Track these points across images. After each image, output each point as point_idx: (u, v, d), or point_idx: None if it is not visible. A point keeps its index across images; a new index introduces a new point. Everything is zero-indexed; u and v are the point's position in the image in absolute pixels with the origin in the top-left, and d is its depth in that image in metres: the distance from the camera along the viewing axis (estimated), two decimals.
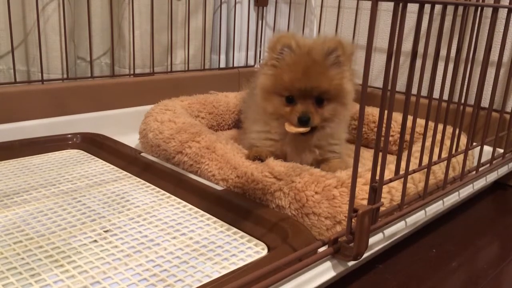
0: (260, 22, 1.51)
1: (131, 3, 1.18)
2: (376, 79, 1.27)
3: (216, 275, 0.55)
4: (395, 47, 0.52)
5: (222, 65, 1.46)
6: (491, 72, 0.79)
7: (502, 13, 0.76)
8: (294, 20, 1.47)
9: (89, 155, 0.94)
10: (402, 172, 0.62)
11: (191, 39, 1.35)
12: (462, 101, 0.75)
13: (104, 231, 0.64)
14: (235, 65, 1.48)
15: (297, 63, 0.79)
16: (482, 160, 0.83)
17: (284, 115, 0.80)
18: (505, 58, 0.85)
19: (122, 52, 1.24)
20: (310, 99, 0.79)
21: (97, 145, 0.97)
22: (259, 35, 1.52)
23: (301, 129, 0.78)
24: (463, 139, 0.79)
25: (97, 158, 0.92)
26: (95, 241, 0.61)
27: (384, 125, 0.54)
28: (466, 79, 0.74)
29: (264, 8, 1.51)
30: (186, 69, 1.35)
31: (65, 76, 1.13)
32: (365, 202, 0.59)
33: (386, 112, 0.54)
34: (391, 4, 0.51)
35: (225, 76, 1.40)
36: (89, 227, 0.65)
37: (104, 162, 0.90)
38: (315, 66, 0.78)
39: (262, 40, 1.53)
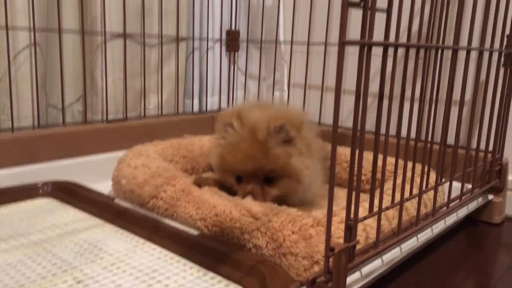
0: (232, 67, 1.55)
1: (104, 50, 1.19)
2: (347, 119, 1.31)
3: None
4: (362, 88, 0.54)
5: (196, 109, 1.48)
6: (455, 111, 0.83)
7: (462, 54, 0.81)
8: (265, 65, 1.51)
9: (61, 203, 0.92)
10: (376, 209, 0.63)
11: (164, 84, 1.37)
12: (429, 139, 0.78)
13: (77, 282, 0.62)
14: (208, 109, 1.50)
15: (239, 144, 0.78)
16: (452, 196, 0.85)
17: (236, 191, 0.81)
18: (467, 97, 0.89)
19: (95, 98, 1.24)
20: (256, 179, 0.79)
21: (69, 193, 0.95)
22: (231, 79, 1.55)
23: None
24: (433, 176, 0.82)
25: (68, 206, 0.90)
26: None
27: (356, 164, 0.55)
28: (432, 118, 0.77)
29: (236, 53, 1.55)
30: (160, 114, 1.36)
31: (36, 124, 1.12)
32: (341, 240, 0.59)
33: (357, 151, 0.55)
34: (358, 47, 0.53)
35: (198, 120, 1.41)
36: (60, 278, 0.62)
37: (76, 210, 0.88)
38: (258, 147, 0.77)
39: (234, 84, 1.56)
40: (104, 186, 0.98)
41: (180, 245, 0.72)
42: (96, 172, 1.06)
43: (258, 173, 0.78)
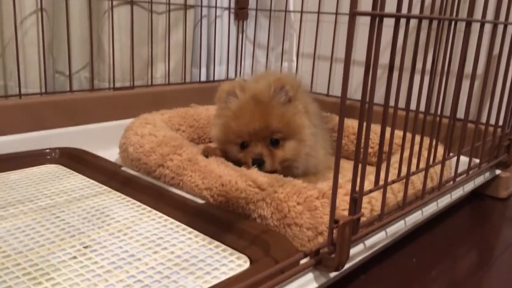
0: (240, 36, 1.52)
1: (111, 16, 1.18)
2: (356, 92, 1.29)
3: None
4: (372, 60, 0.53)
5: (203, 78, 1.47)
6: (466, 85, 0.81)
7: (475, 27, 0.79)
8: (274, 34, 1.49)
9: (68, 170, 0.93)
10: (382, 182, 0.63)
11: (172, 53, 1.35)
12: (438, 112, 0.77)
13: (84, 247, 0.63)
14: (215, 78, 1.48)
15: (243, 108, 0.79)
16: (459, 170, 0.85)
17: (240, 160, 0.80)
18: (479, 71, 0.87)
19: (102, 65, 1.23)
20: (263, 141, 0.79)
21: (76, 160, 0.95)
22: (240, 48, 1.53)
23: None
24: (440, 150, 0.81)
25: (76, 173, 0.91)
26: (75, 257, 0.60)
27: (363, 136, 0.55)
28: (442, 91, 0.76)
29: (244, 22, 1.52)
30: (167, 82, 1.35)
31: (43, 90, 1.12)
32: (346, 213, 0.59)
33: (365, 124, 0.55)
34: (369, 18, 0.52)
35: (206, 89, 1.40)
36: (68, 243, 0.64)
37: (84, 177, 0.89)
38: (262, 108, 0.78)
39: (242, 54, 1.54)
40: (111, 154, 0.98)
41: (186, 213, 0.73)
42: (103, 139, 1.06)
43: (264, 133, 0.78)
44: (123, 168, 0.89)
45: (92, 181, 0.87)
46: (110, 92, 1.21)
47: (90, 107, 1.14)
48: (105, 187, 0.84)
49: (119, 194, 0.82)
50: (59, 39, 1.17)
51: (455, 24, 0.73)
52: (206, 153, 0.83)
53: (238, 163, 0.80)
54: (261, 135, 0.79)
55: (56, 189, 0.82)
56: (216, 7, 1.45)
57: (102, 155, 0.96)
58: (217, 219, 0.70)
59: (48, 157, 0.97)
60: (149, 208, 0.76)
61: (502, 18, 0.88)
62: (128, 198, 0.80)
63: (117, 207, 0.76)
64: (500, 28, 0.87)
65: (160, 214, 0.75)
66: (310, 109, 0.85)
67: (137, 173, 0.87)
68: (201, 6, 1.41)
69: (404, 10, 0.59)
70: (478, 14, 0.81)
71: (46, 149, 0.98)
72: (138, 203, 0.78)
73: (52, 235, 0.66)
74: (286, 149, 0.80)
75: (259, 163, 0.77)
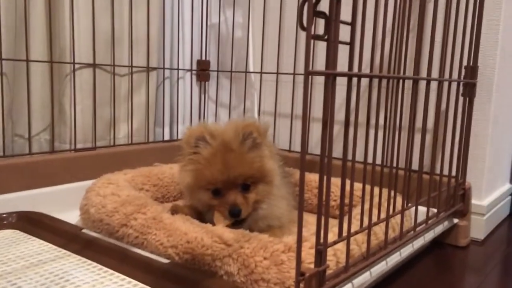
0: (202, 95, 1.56)
1: (73, 80, 1.19)
2: (316, 146, 1.33)
3: None
4: (329, 116, 0.56)
5: (166, 138, 1.48)
6: (419, 138, 0.86)
7: (422, 84, 0.85)
8: (235, 93, 1.53)
9: (26, 234, 0.89)
10: (345, 234, 0.64)
11: (135, 113, 1.36)
12: (394, 165, 0.81)
13: None
14: (179, 137, 1.50)
15: (215, 156, 0.80)
16: (419, 220, 0.88)
17: (213, 207, 0.81)
18: (430, 125, 0.92)
19: (63, 127, 1.23)
20: (236, 188, 0.80)
21: (34, 224, 0.92)
22: (202, 108, 1.57)
23: (229, 223, 0.79)
24: (399, 201, 0.84)
25: (34, 238, 0.88)
26: None
27: (324, 190, 0.56)
28: (396, 145, 0.80)
29: (206, 82, 1.57)
30: (130, 142, 1.35)
31: (1, 154, 1.09)
32: (312, 266, 0.60)
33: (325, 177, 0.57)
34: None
35: (169, 148, 1.41)
36: None
37: (42, 241, 0.86)
38: (234, 154, 0.80)
39: (205, 113, 1.57)
40: (72, 217, 0.96)
41: (150, 274, 0.71)
42: (64, 202, 1.04)
43: (238, 180, 0.79)
44: (84, 230, 0.87)
45: (51, 245, 0.84)
46: (71, 153, 1.19)
47: (51, 169, 1.12)
48: (64, 251, 0.81)
49: (79, 257, 0.79)
50: (19, 102, 1.16)
51: (403, 82, 0.78)
52: (174, 212, 0.82)
53: (209, 208, 0.81)
54: (234, 182, 0.80)
55: (13, 255, 0.79)
56: (178, 69, 1.49)
57: (62, 218, 0.93)
58: (183, 278, 0.69)
59: (5, 222, 0.93)
60: (111, 271, 0.74)
61: (447, 75, 0.95)
62: (89, 261, 0.77)
63: (77, 271, 0.73)
64: (446, 84, 0.94)
65: (122, 276, 0.72)
66: (273, 150, 0.88)
67: (98, 235, 0.85)
68: (163, 68, 1.45)
69: (356, 70, 0.63)
70: (424, 72, 0.87)
71: (3, 213, 0.94)
72: (100, 266, 0.76)
73: None
74: (257, 192, 0.82)
75: (236, 213, 0.78)
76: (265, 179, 0.82)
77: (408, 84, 0.80)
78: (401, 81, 0.78)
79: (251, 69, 1.50)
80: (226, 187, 0.80)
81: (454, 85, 0.98)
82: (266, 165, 0.82)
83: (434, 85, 0.94)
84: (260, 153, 0.82)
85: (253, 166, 0.80)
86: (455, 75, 0.99)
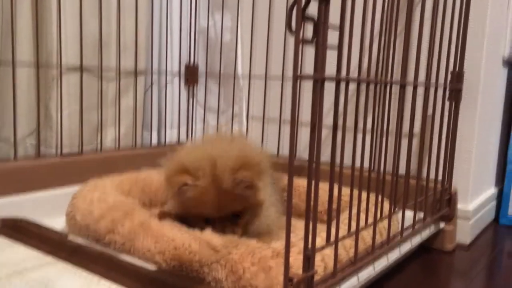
0: (191, 100, 1.56)
1: (60, 84, 1.18)
2: (305, 151, 1.34)
3: None
4: (317, 120, 0.56)
5: (154, 142, 1.47)
6: (406, 143, 0.87)
7: (410, 89, 0.85)
8: (223, 98, 1.53)
9: (10, 241, 0.88)
10: (333, 239, 0.64)
11: (122, 117, 1.35)
12: (382, 170, 0.81)
13: None
14: (167, 142, 1.49)
15: (204, 194, 0.77)
16: (406, 225, 0.88)
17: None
18: (416, 130, 0.93)
19: (49, 132, 1.21)
20: (226, 220, 0.80)
21: (19, 230, 0.90)
22: (190, 112, 1.56)
23: None
24: (387, 206, 0.84)
25: (19, 244, 0.86)
26: None
27: (312, 195, 0.56)
28: (383, 149, 0.80)
29: (195, 86, 1.56)
30: (117, 147, 1.34)
31: None
32: (300, 271, 0.59)
33: (313, 182, 0.57)
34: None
35: (157, 153, 1.40)
36: None
37: (27, 248, 0.84)
38: (225, 195, 0.78)
39: (193, 117, 1.56)
40: (58, 223, 0.94)
41: (137, 281, 0.70)
42: (50, 208, 1.02)
43: (227, 214, 0.79)
44: (70, 237, 0.86)
45: (36, 252, 0.83)
46: (57, 158, 1.18)
47: (36, 174, 1.10)
48: (50, 258, 0.80)
49: (65, 264, 0.78)
50: (4, 106, 1.14)
51: (390, 86, 0.79)
52: (162, 217, 0.81)
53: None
54: (224, 217, 0.80)
55: None
56: (166, 72, 1.49)
57: (48, 224, 0.92)
58: (170, 285, 0.68)
59: None
60: (97, 278, 0.73)
61: (433, 80, 0.95)
62: (76, 269, 0.76)
63: (63, 278, 0.72)
64: (432, 89, 0.95)
65: (109, 283, 0.71)
66: (268, 176, 0.87)
67: (85, 241, 0.84)
68: (151, 72, 1.44)
69: (344, 74, 0.63)
70: (411, 77, 0.88)
71: None
72: (86, 273, 0.74)
73: None
74: (246, 217, 0.82)
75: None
76: (256, 209, 0.82)
77: (395, 89, 0.81)
78: (388, 85, 0.78)
79: (239, 73, 1.50)
80: (216, 220, 0.80)
81: (440, 90, 0.99)
82: (258, 198, 0.81)
83: (420, 90, 0.95)
84: (254, 190, 0.80)
85: (245, 202, 0.80)
86: (441, 80, 1.00)
